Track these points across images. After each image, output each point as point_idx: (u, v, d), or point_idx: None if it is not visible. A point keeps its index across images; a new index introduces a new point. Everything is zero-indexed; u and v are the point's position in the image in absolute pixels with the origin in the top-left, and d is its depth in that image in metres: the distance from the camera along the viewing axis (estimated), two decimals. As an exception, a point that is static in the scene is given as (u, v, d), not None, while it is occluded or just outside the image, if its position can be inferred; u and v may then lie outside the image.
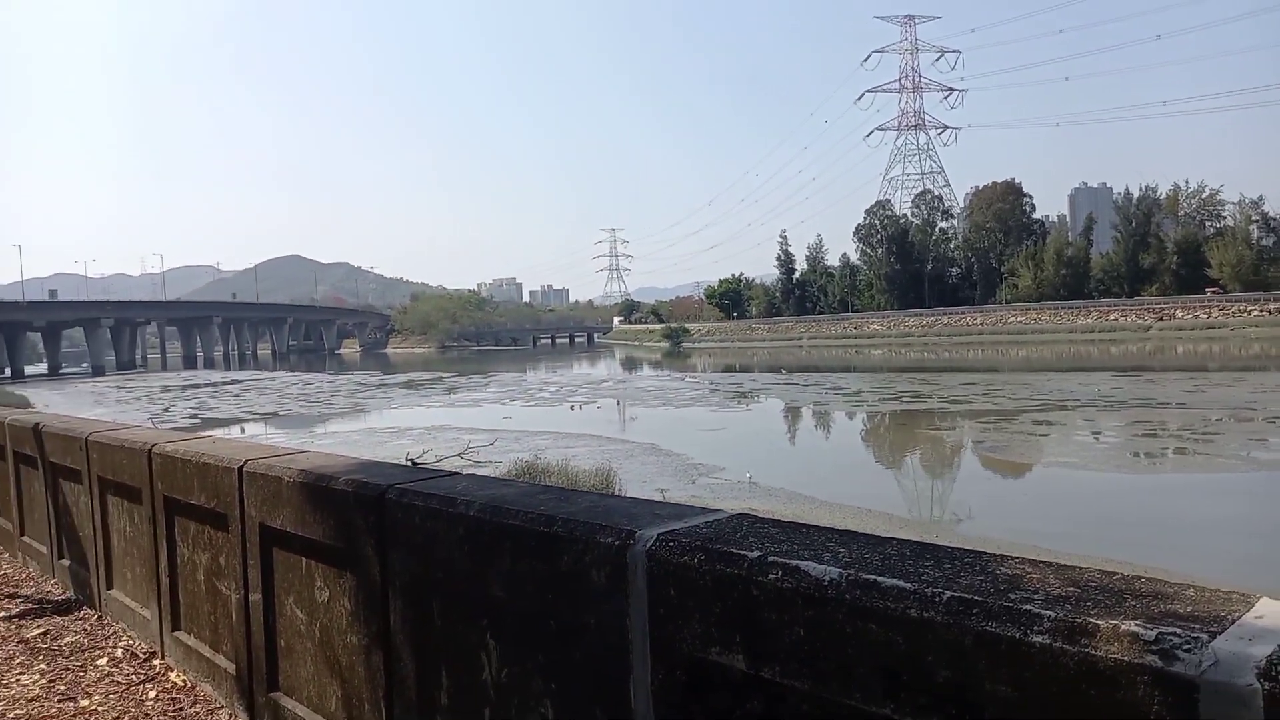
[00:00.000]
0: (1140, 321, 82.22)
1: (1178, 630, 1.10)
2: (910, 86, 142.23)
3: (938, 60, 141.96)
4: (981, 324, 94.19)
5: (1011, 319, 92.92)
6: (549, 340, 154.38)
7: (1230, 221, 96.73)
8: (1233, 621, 1.12)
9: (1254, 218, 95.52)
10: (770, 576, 1.55)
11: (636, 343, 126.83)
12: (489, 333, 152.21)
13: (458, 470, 3.42)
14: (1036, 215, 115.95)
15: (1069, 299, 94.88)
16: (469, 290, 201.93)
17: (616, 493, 13.45)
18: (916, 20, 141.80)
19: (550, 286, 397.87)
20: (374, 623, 2.64)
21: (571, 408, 32.53)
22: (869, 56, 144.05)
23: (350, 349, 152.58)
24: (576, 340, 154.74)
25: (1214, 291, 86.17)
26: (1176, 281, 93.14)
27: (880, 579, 1.41)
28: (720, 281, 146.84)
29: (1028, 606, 1.23)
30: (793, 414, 30.09)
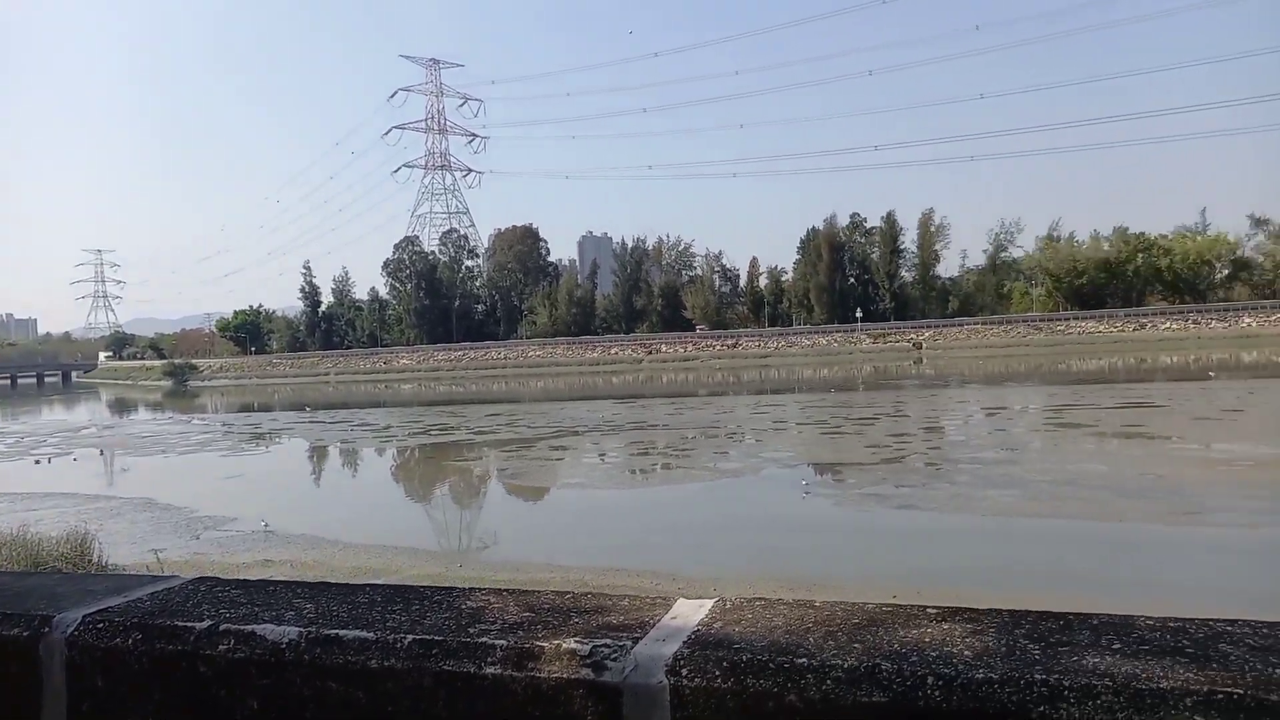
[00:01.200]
0: (635, 355, 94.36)
1: (608, 641, 1.19)
2: (436, 128, 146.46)
3: (462, 106, 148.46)
4: (505, 358, 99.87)
5: (531, 353, 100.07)
6: (8, 380, 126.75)
7: (700, 271, 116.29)
8: (653, 625, 1.26)
9: (716, 269, 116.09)
10: (221, 647, 1.37)
11: (130, 382, 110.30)
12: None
13: None
14: (552, 258, 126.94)
15: (579, 334, 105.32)
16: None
17: (97, 561, 11.42)
18: (441, 65, 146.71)
19: (11, 315, 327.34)
20: None
21: (38, 461, 26.95)
22: (395, 94, 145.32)
23: None
24: (47, 380, 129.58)
25: (701, 329, 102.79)
26: (662, 321, 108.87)
27: (343, 632, 1.33)
28: (236, 313, 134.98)
29: (484, 639, 1.25)
30: (318, 454, 28.59)
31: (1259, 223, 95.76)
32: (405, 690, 1.24)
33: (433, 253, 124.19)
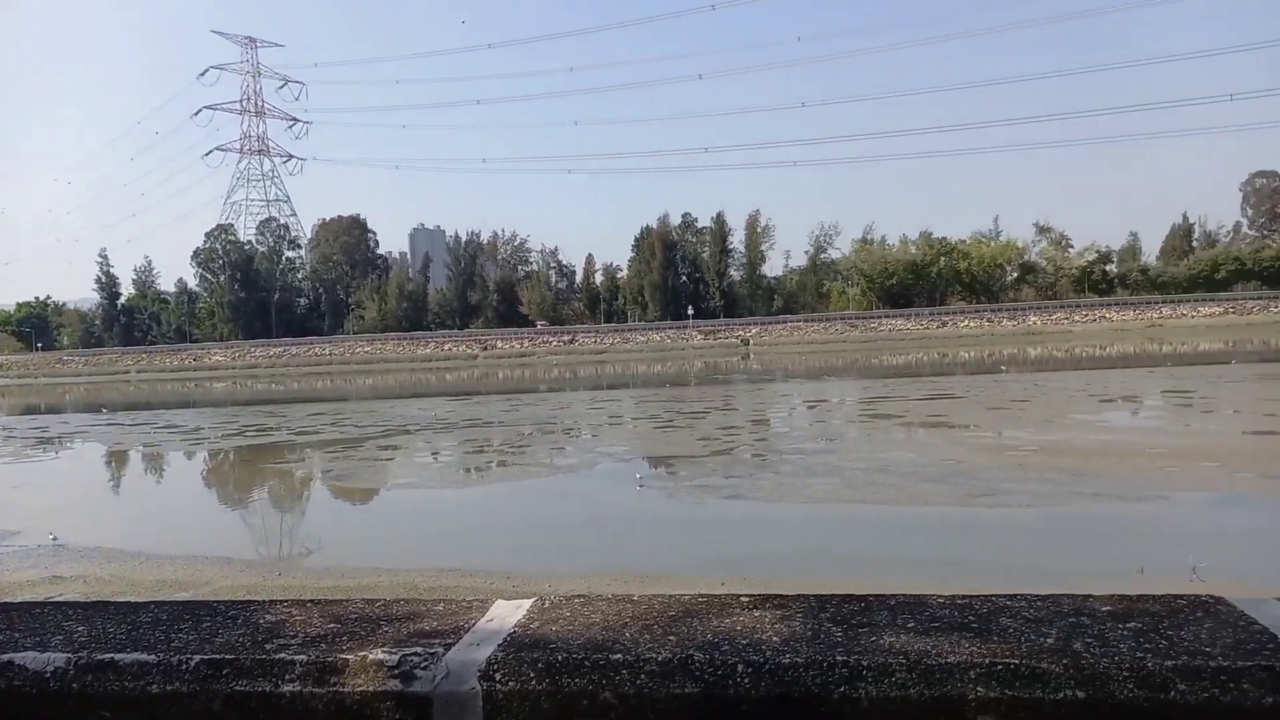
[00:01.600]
0: (470, 351, 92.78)
1: (419, 649, 1.14)
2: (253, 110, 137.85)
3: (281, 88, 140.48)
4: (330, 354, 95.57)
5: (359, 349, 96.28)
6: None
7: (536, 267, 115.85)
8: (468, 629, 1.22)
9: (552, 264, 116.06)
10: (-29, 681, 1.21)
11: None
12: None
13: None
14: (381, 251, 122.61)
15: (411, 330, 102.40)
16: None
17: None
18: (258, 44, 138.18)
19: None
20: None
21: None
22: (206, 71, 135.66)
23: None
24: None
25: (542, 324, 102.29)
26: (498, 316, 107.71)
27: (120, 656, 1.20)
28: (19, 305, 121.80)
29: (282, 655, 1.16)
30: (117, 460, 26.26)
31: (1042, 230, 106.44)
32: (190, 715, 1.14)
33: (249, 242, 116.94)
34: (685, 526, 12.87)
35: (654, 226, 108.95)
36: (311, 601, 1.40)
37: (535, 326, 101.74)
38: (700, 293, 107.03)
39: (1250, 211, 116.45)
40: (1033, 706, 0.97)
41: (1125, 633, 1.08)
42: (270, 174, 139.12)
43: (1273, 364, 40.63)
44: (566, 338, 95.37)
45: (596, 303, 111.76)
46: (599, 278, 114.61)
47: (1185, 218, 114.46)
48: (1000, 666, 1.01)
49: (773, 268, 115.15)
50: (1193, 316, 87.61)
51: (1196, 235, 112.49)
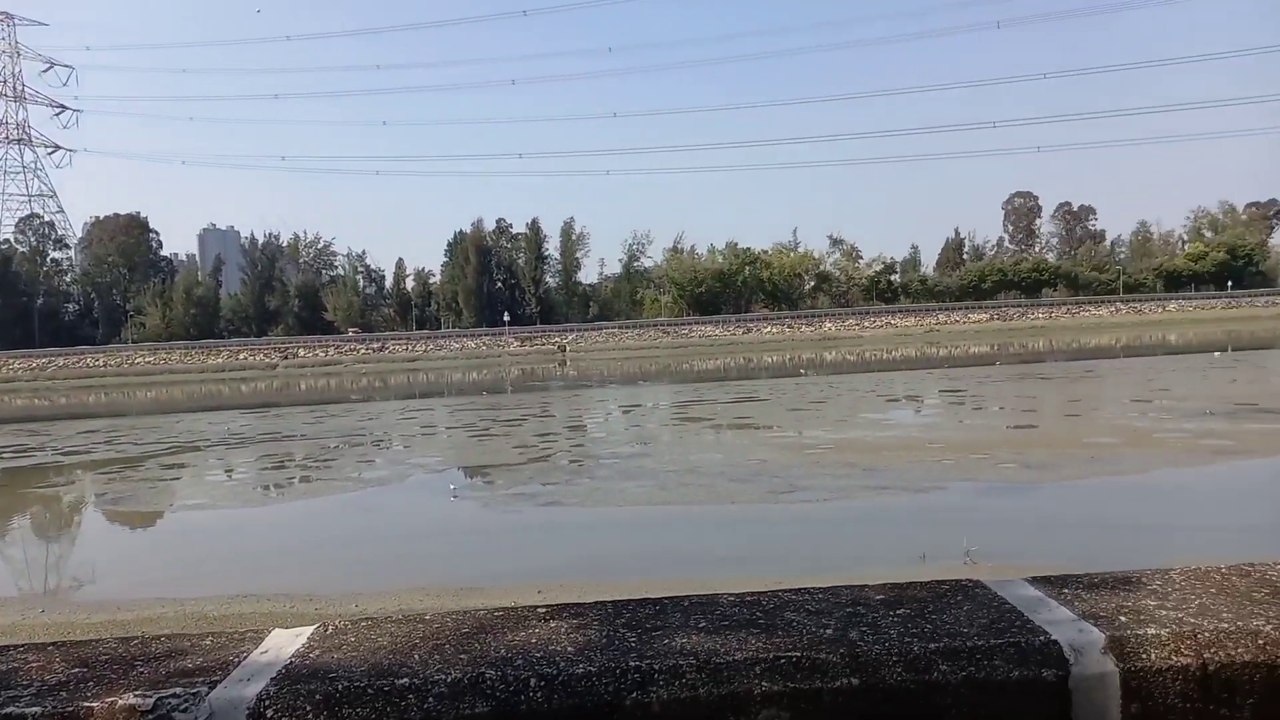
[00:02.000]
0: (268, 360, 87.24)
1: (179, 690, 1.04)
2: (11, 94, 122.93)
3: (46, 71, 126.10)
4: (105, 365, 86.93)
5: (139, 359, 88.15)
6: None
7: (342, 271, 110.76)
8: (238, 664, 1.12)
9: (360, 269, 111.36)
10: None
11: None
12: None
13: None
14: (165, 252, 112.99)
15: (200, 338, 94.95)
16: None
17: None
18: (17, 21, 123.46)
19: None
20: None
21: None
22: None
23: None
24: None
25: (355, 332, 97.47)
26: (299, 323, 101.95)
27: None
28: None
29: (11, 708, 1.02)
30: None
31: (836, 242, 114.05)
32: (-108, 791, 0.97)
33: (7, 242, 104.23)
34: (501, 536, 12.70)
35: (468, 232, 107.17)
36: (53, 644, 1.24)
37: (346, 334, 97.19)
38: (516, 299, 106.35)
39: (1010, 228, 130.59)
40: (812, 697, 1.01)
41: (895, 619, 1.15)
42: (33, 166, 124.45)
43: (1030, 364, 45.63)
44: (376, 345, 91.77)
45: (408, 309, 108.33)
46: (410, 283, 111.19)
47: (957, 233, 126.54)
48: (783, 660, 1.05)
49: (588, 275, 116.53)
50: (964, 322, 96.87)
51: (966, 249, 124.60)
